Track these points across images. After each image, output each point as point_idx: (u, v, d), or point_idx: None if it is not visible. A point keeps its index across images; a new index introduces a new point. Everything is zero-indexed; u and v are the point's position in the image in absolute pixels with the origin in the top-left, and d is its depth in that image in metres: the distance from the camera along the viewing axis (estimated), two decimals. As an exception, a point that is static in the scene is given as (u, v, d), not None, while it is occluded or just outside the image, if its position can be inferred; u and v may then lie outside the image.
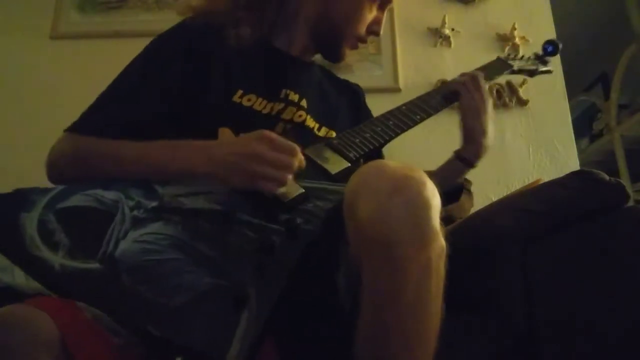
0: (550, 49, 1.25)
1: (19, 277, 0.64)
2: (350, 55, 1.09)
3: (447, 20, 2.14)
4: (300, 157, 0.75)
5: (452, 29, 2.15)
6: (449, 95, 1.07)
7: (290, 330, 0.69)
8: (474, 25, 2.17)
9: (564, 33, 2.01)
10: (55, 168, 0.86)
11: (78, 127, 0.88)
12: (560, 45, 1.24)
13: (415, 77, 2.09)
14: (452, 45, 2.14)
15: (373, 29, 1.06)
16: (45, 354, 0.53)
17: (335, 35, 1.04)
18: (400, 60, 2.10)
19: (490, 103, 1.06)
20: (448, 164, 1.08)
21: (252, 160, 0.72)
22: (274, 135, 0.74)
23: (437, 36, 2.15)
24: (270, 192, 0.72)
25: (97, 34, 2.15)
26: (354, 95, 1.17)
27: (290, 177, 0.72)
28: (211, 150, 0.77)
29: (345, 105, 1.12)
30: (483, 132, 1.04)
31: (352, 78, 1.24)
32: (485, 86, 1.08)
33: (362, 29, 1.04)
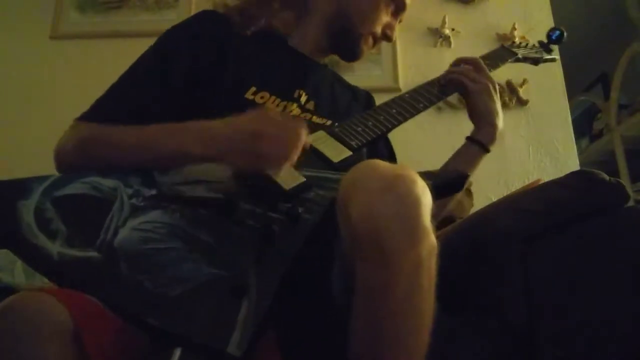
0: (555, 35, 1.22)
1: (18, 277, 0.63)
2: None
3: (447, 20, 2.14)
4: (305, 132, 0.73)
5: (452, 29, 2.15)
6: (447, 85, 1.06)
7: (287, 324, 0.68)
8: (474, 25, 2.18)
9: (564, 33, 2.01)
10: (62, 156, 0.84)
11: (87, 115, 0.87)
12: (565, 33, 1.22)
13: (415, 77, 2.09)
14: (452, 45, 2.14)
15: (386, 33, 1.07)
16: (55, 343, 0.52)
17: (351, 33, 1.04)
18: (400, 60, 2.11)
19: (495, 85, 1.05)
20: (463, 150, 1.05)
21: (253, 138, 0.70)
22: (274, 112, 0.73)
23: (437, 36, 2.15)
24: (275, 171, 0.69)
25: (97, 34, 2.15)
26: (365, 101, 1.16)
27: (295, 155, 0.71)
28: (209, 132, 0.76)
29: (356, 109, 1.10)
30: (495, 113, 1.03)
31: (352, 78, 1.24)
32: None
33: (378, 28, 1.05)
